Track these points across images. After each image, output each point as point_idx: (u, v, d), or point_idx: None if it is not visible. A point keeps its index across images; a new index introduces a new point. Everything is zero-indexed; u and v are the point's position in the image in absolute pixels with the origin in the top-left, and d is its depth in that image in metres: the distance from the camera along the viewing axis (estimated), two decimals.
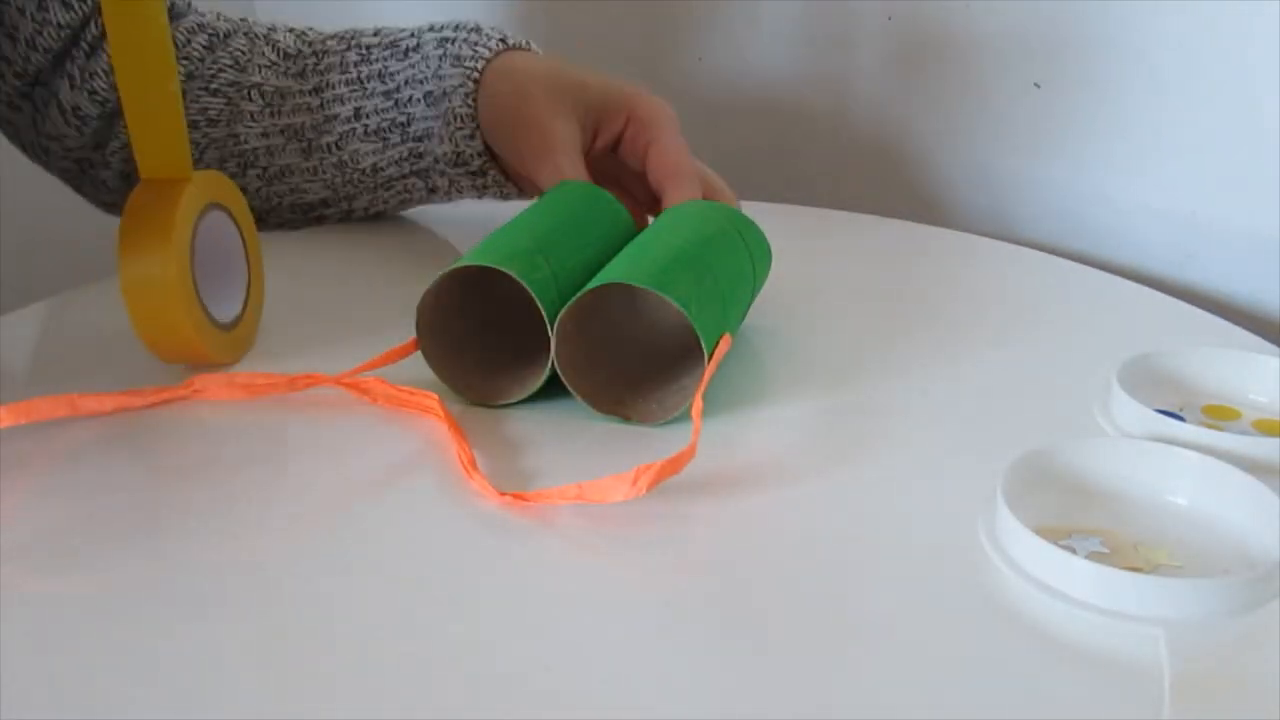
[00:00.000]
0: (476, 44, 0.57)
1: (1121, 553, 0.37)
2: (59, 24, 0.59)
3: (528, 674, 0.32)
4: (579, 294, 0.44)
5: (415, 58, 0.58)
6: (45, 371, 0.51)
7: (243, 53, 0.61)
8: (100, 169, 0.63)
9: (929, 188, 0.77)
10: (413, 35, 0.59)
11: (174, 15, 0.62)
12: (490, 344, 0.48)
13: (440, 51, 0.57)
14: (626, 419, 0.45)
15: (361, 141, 0.59)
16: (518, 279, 0.44)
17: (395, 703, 0.31)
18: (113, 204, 0.66)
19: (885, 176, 0.79)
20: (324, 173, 0.61)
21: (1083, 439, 0.40)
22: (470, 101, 0.56)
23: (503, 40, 0.57)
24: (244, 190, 0.60)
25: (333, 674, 0.32)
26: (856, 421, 0.46)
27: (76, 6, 0.59)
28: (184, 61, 0.60)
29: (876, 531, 0.39)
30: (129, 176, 0.62)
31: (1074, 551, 0.35)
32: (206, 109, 0.60)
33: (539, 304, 0.44)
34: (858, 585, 0.36)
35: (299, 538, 0.38)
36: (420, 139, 0.59)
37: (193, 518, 0.39)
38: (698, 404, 0.43)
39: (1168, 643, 0.32)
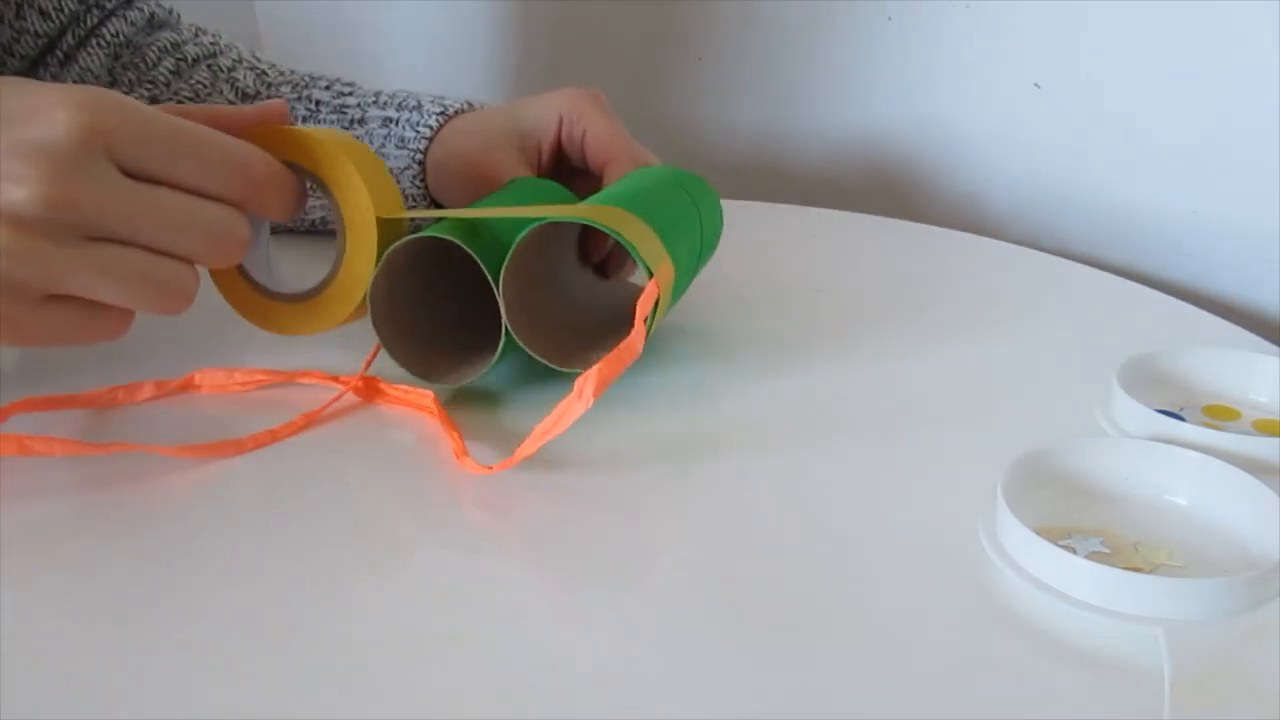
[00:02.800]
0: (418, 124, 0.57)
1: (1121, 553, 0.37)
2: (36, 33, 0.60)
3: (503, 664, 0.32)
4: (516, 240, 0.44)
5: (360, 131, 0.59)
6: (44, 367, 0.51)
7: (204, 86, 0.61)
8: None
9: (929, 188, 0.77)
10: (359, 105, 0.60)
11: (153, 25, 0.63)
12: (454, 330, 0.49)
13: (385, 132, 0.58)
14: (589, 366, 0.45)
15: (317, 199, 0.60)
16: (459, 243, 0.44)
17: (382, 692, 0.31)
18: None
19: (885, 176, 0.79)
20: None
21: (1083, 439, 0.40)
22: (419, 182, 0.58)
23: (442, 114, 0.58)
24: None
25: (313, 665, 0.32)
26: (856, 421, 0.46)
27: (54, 16, 0.60)
28: (148, 85, 0.61)
29: (876, 531, 0.39)
30: None
31: (1074, 551, 0.35)
32: None
33: (481, 265, 0.44)
34: (857, 584, 0.36)
35: (292, 530, 0.38)
36: None
37: (180, 515, 0.39)
38: (639, 311, 0.43)
39: (1168, 643, 0.32)
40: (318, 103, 0.60)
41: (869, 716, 0.31)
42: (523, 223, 0.45)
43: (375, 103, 0.59)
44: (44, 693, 0.31)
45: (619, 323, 0.47)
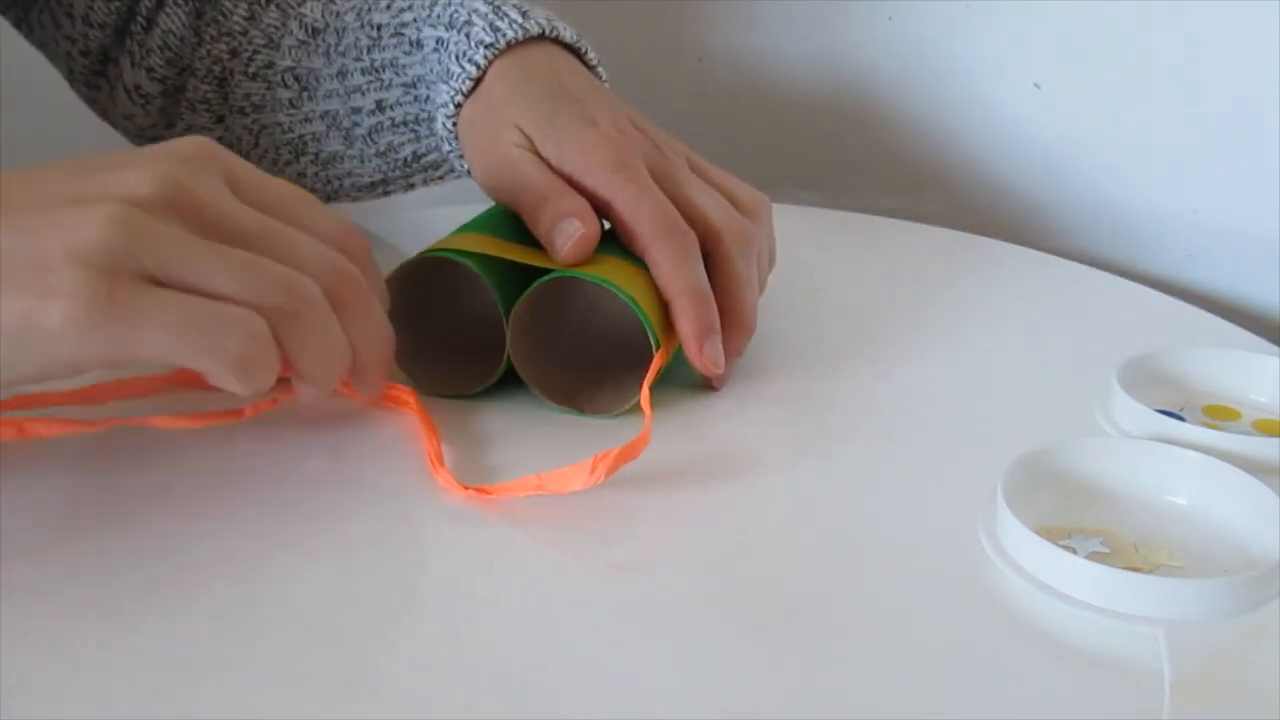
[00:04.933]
0: (463, 55, 0.51)
1: (1121, 553, 0.37)
2: None
3: (495, 667, 0.32)
4: (532, 288, 0.44)
5: (419, 54, 0.55)
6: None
7: (275, 28, 0.58)
8: None
9: (928, 188, 0.77)
10: (415, 23, 0.55)
11: None
12: (450, 337, 0.48)
13: (436, 58, 0.54)
14: (581, 410, 0.45)
15: (393, 134, 0.56)
16: (476, 270, 0.44)
17: (362, 697, 0.31)
18: None
19: (884, 176, 0.79)
20: (369, 160, 0.58)
21: (1083, 439, 0.40)
22: (449, 127, 0.52)
23: (491, 47, 0.50)
24: (302, 176, 0.59)
25: (297, 668, 0.32)
26: (856, 420, 0.46)
27: None
28: (226, 38, 0.59)
29: (876, 530, 0.39)
30: None
31: (1074, 551, 0.35)
32: (249, 94, 0.58)
33: (495, 296, 0.44)
34: (857, 584, 0.36)
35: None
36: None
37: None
38: (644, 393, 0.43)
39: (1168, 643, 0.32)
40: (379, 27, 0.56)
41: (869, 716, 0.31)
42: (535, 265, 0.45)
43: (429, 17, 0.54)
44: (39, 685, 0.31)
45: (621, 353, 0.47)
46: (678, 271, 0.45)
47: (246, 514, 0.39)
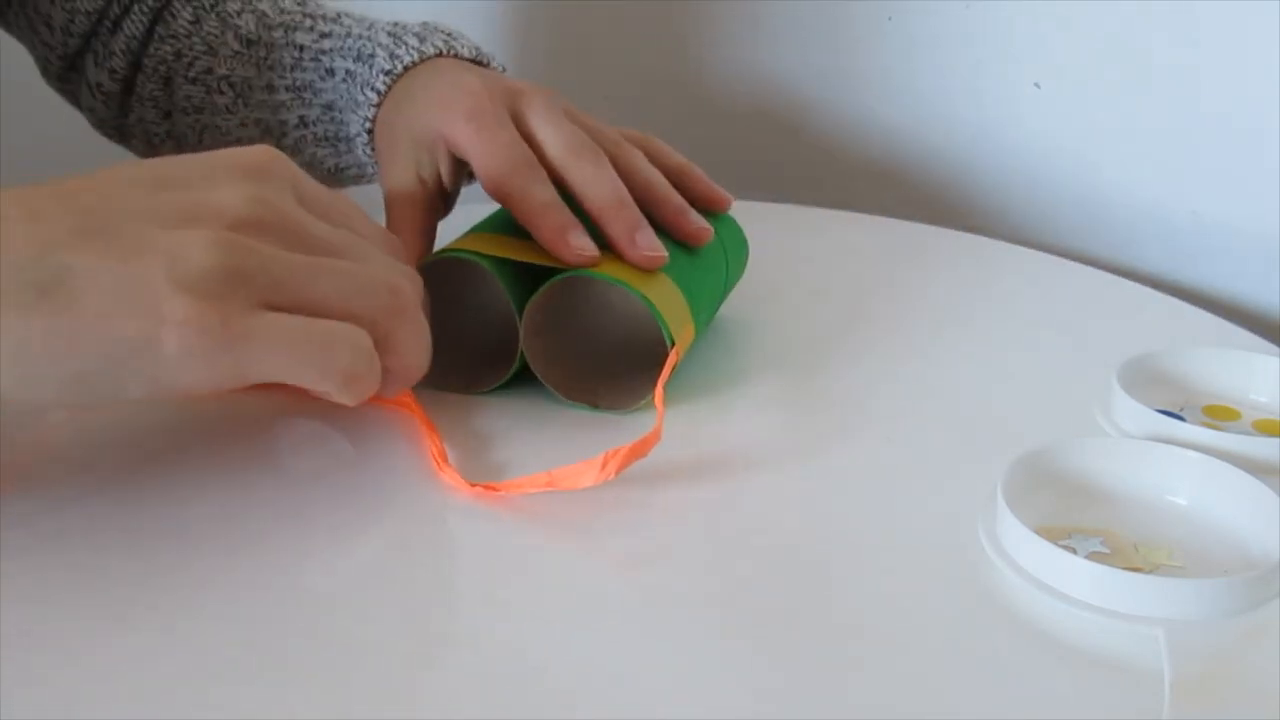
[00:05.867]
0: (367, 84, 0.53)
1: (1121, 553, 0.37)
2: (86, 11, 0.61)
3: (507, 664, 0.32)
4: (546, 285, 0.44)
5: (332, 81, 0.57)
6: None
7: (215, 36, 0.61)
8: (130, 139, 0.66)
9: (929, 187, 0.77)
10: (330, 53, 0.57)
11: None
12: (460, 333, 0.48)
13: (345, 86, 0.56)
14: (595, 406, 0.46)
15: (316, 147, 0.59)
16: (489, 269, 0.44)
17: (375, 694, 0.31)
18: None
19: (885, 176, 0.79)
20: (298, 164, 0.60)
21: (1083, 439, 0.40)
22: (368, 152, 0.55)
23: (389, 74, 0.53)
24: None
25: (310, 667, 0.32)
26: (856, 421, 0.46)
27: None
28: (171, 40, 0.61)
29: (876, 530, 0.39)
30: (154, 148, 0.64)
31: (1074, 551, 0.35)
32: (190, 97, 0.61)
33: (508, 295, 0.44)
34: (857, 584, 0.36)
35: (270, 531, 0.38)
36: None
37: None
38: (659, 390, 0.43)
39: (1168, 643, 0.32)
40: (300, 48, 0.58)
41: (868, 716, 0.31)
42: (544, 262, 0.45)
43: (342, 49, 0.56)
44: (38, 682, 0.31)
45: (632, 349, 0.47)
46: (594, 188, 0.46)
47: (249, 515, 0.39)
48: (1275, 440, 0.41)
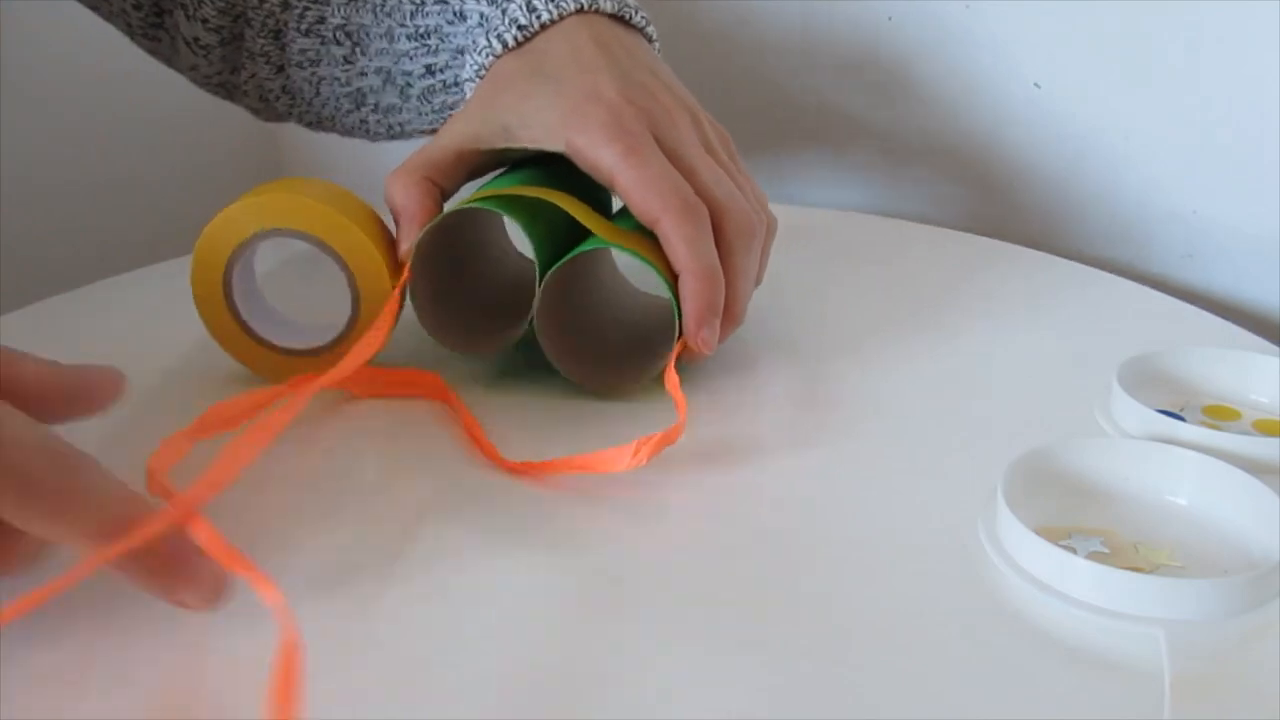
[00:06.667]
0: (493, 31, 0.51)
1: (1121, 553, 0.37)
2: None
3: (500, 663, 0.32)
4: (567, 257, 0.44)
5: (463, 25, 0.54)
6: None
7: None
8: (241, 96, 0.63)
9: (928, 187, 0.77)
10: None
11: None
12: (476, 295, 0.49)
13: (480, 31, 0.53)
14: (600, 389, 0.46)
15: (446, 94, 0.56)
16: (517, 224, 0.45)
17: (423, 677, 0.31)
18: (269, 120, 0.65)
19: (884, 176, 0.79)
20: (426, 115, 0.58)
21: (1083, 439, 0.40)
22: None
23: (522, 27, 0.50)
24: (364, 123, 0.60)
25: (357, 651, 0.32)
26: (856, 420, 0.46)
27: None
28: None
29: (876, 530, 0.39)
30: (269, 104, 0.62)
31: (1074, 551, 0.35)
32: (304, 50, 0.58)
33: (530, 245, 0.45)
34: (857, 584, 0.36)
35: (310, 517, 0.39)
36: None
37: None
38: (671, 376, 0.43)
39: (1168, 643, 0.32)
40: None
41: (868, 716, 0.31)
42: (568, 225, 0.45)
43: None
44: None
45: (634, 335, 0.48)
46: (691, 248, 0.44)
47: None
48: (1275, 440, 0.41)
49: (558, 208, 0.45)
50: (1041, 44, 0.69)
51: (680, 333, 0.44)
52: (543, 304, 0.45)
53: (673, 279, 0.45)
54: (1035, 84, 0.70)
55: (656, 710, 0.31)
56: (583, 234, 0.46)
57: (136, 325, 0.57)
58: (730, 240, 0.46)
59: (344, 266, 0.46)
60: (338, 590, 0.36)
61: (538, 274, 0.45)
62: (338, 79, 0.58)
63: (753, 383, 0.49)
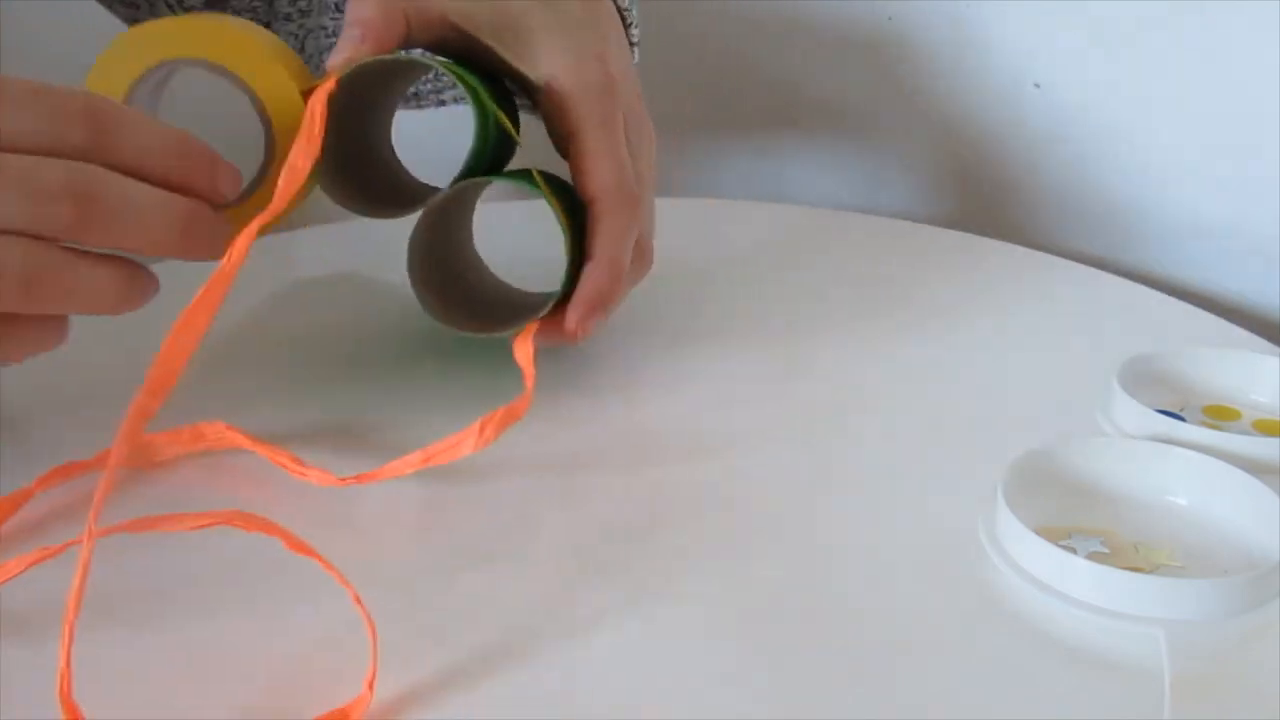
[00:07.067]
0: None
1: (1122, 553, 0.37)
2: None
3: (492, 662, 0.32)
4: (495, 177, 0.44)
5: None
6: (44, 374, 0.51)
7: None
8: None
9: (928, 188, 0.77)
10: None
11: None
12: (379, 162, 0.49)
13: None
14: (476, 330, 0.44)
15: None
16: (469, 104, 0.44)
17: (409, 682, 0.31)
18: None
19: (884, 176, 0.79)
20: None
21: (1083, 439, 0.40)
22: None
23: None
24: None
25: (327, 662, 0.32)
26: (856, 421, 0.46)
27: None
28: None
29: (876, 530, 0.39)
30: None
31: (1074, 551, 0.35)
32: (295, 0, 0.57)
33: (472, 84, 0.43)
34: (857, 584, 0.36)
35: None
36: None
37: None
38: (525, 346, 0.41)
39: (1168, 643, 0.32)
40: None
41: (868, 716, 0.31)
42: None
43: None
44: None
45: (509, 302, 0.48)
46: (617, 237, 0.44)
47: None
48: (1275, 440, 0.41)
49: (501, 126, 0.44)
50: (1041, 44, 0.69)
51: (550, 310, 0.43)
52: (425, 223, 0.44)
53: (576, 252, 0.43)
54: (1035, 84, 0.70)
55: (650, 712, 0.31)
56: (507, 154, 0.46)
57: (137, 325, 0.56)
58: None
59: (251, 95, 0.42)
60: None
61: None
62: (324, 29, 0.57)
63: (750, 382, 0.49)
